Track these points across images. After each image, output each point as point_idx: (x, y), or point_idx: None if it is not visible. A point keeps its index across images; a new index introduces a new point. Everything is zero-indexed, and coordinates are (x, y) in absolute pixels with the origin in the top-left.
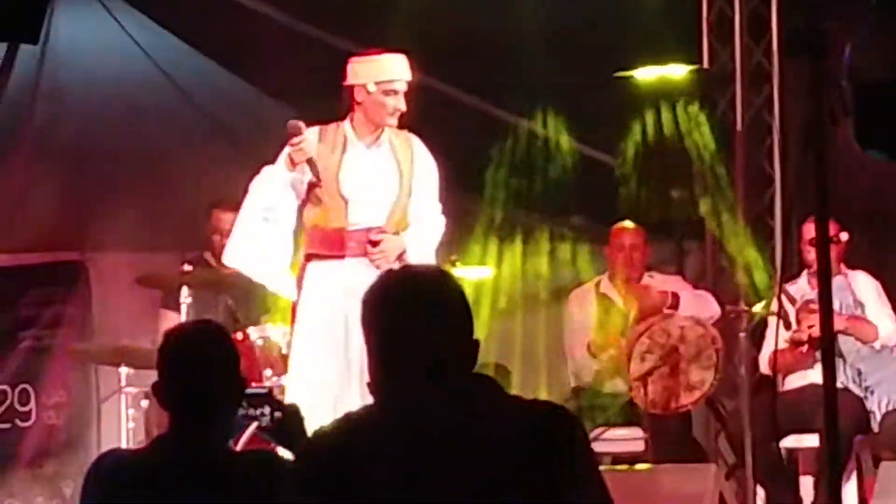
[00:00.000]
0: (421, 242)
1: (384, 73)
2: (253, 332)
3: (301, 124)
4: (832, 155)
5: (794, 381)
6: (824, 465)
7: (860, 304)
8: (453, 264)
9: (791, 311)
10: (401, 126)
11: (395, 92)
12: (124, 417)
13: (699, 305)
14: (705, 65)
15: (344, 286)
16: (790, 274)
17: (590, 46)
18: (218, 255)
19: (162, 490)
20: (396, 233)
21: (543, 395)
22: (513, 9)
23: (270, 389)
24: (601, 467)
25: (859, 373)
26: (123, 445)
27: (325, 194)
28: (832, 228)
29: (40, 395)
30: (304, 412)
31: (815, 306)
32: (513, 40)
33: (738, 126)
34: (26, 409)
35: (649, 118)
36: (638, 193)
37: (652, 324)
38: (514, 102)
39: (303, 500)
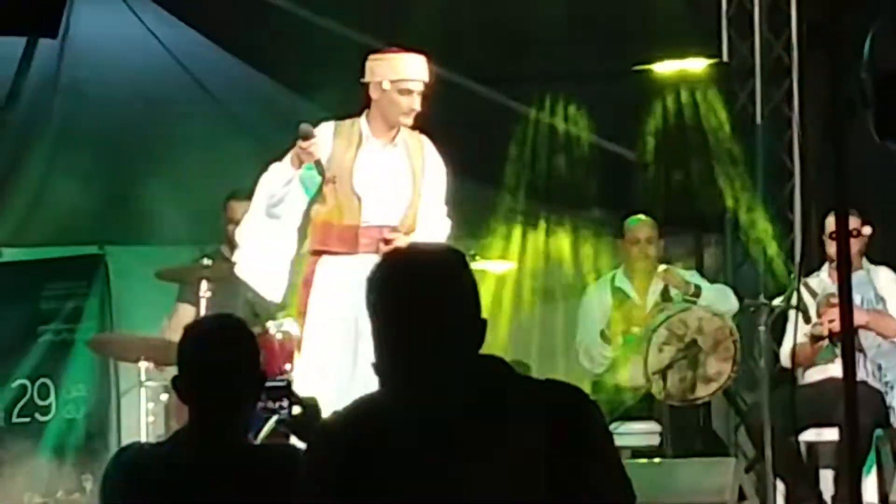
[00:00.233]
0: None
1: (400, 71)
2: (272, 325)
3: (311, 129)
4: (854, 148)
5: (814, 375)
6: (844, 459)
7: (881, 300)
8: (472, 258)
9: (812, 304)
10: (414, 126)
11: (410, 91)
12: (144, 411)
13: (716, 295)
14: (725, 58)
15: (355, 282)
16: (811, 267)
17: (609, 40)
18: (235, 245)
19: (182, 484)
20: (407, 234)
21: None
22: (531, 2)
23: (289, 383)
24: (622, 461)
25: (879, 367)
26: (143, 439)
27: (338, 190)
28: (855, 222)
29: (60, 389)
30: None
31: (836, 300)
32: (531, 32)
33: (758, 119)
34: (46, 402)
35: (668, 110)
36: (655, 186)
37: (670, 316)
38: (532, 94)
39: (317, 493)
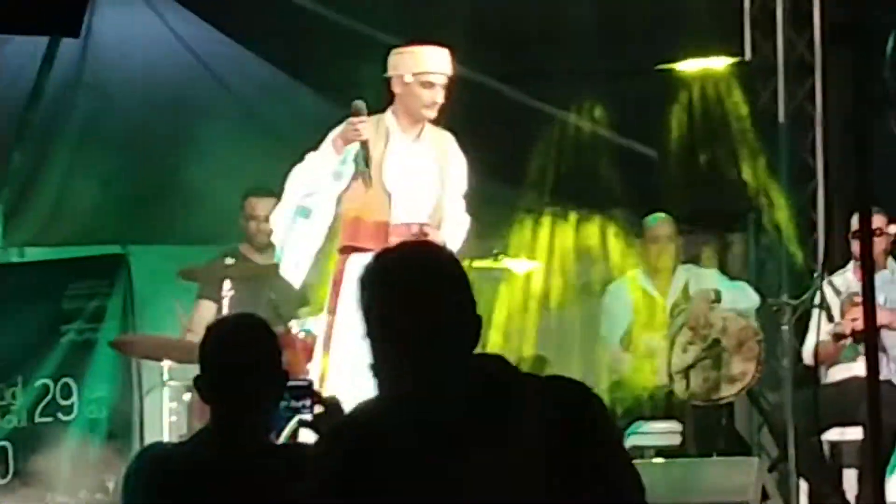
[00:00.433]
0: (452, 240)
1: (421, 64)
2: (295, 325)
3: (364, 106)
4: (878, 146)
5: (837, 374)
6: (868, 459)
7: None
8: (495, 257)
9: (835, 303)
10: (438, 122)
11: (432, 84)
12: (167, 411)
13: (738, 295)
14: (747, 57)
15: None
16: (835, 266)
17: (632, 39)
18: (254, 242)
19: (204, 483)
20: (436, 228)
21: None
22: (554, 1)
23: (311, 382)
24: (643, 460)
25: None
26: (166, 439)
27: (367, 186)
28: (880, 221)
29: (83, 389)
30: (344, 404)
31: (860, 299)
32: (554, 31)
33: (781, 118)
34: (69, 402)
35: (690, 109)
36: (678, 185)
37: (694, 315)
38: (556, 93)
39: (318, 494)
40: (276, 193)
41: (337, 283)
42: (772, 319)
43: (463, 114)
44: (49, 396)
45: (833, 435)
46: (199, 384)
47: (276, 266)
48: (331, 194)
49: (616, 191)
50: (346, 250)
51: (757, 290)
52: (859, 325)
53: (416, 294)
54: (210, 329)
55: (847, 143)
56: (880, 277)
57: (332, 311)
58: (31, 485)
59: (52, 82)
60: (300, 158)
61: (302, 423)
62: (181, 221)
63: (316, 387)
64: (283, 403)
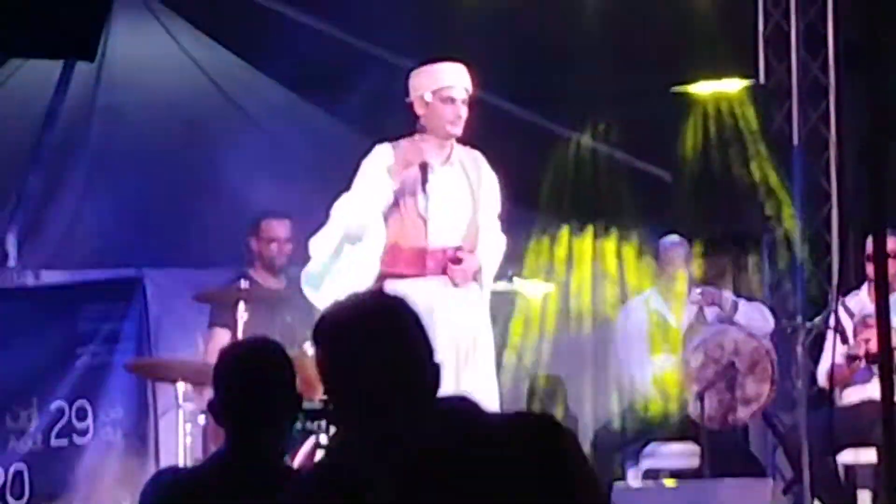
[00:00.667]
0: (490, 260)
1: (439, 80)
2: (309, 348)
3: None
4: (892, 168)
5: (852, 396)
6: (882, 481)
7: None
8: (510, 279)
9: (850, 325)
10: (465, 142)
11: (452, 99)
12: (182, 433)
13: (754, 317)
14: (761, 79)
15: (424, 306)
16: (850, 287)
17: (645, 60)
18: (274, 264)
19: None
20: (471, 251)
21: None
22: (567, 23)
23: (326, 405)
24: (658, 482)
25: None
26: (181, 461)
27: (403, 213)
28: (894, 243)
29: (98, 412)
30: None
31: (873, 321)
32: (567, 53)
33: (795, 140)
34: (84, 424)
35: (704, 131)
36: (692, 207)
37: (707, 338)
38: (570, 116)
39: None
40: (290, 215)
41: None
42: (786, 341)
43: (477, 136)
44: (64, 419)
45: (847, 457)
46: (212, 407)
47: (291, 289)
48: (380, 225)
49: (631, 213)
50: (383, 277)
51: (772, 311)
52: (873, 346)
53: (372, 346)
54: (224, 352)
55: (861, 165)
56: (894, 299)
57: None
58: None
59: (66, 105)
60: (316, 180)
61: (317, 445)
62: (196, 244)
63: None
64: (298, 426)
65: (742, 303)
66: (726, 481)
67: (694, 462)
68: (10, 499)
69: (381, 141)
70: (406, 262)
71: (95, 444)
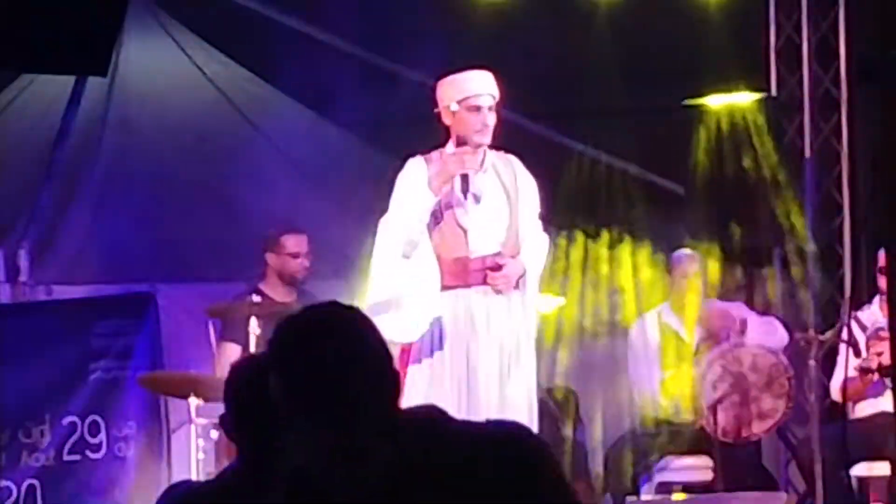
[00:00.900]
0: (533, 264)
1: (463, 90)
2: None
3: None
4: None
5: (865, 409)
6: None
7: None
8: None
9: (862, 338)
10: (499, 148)
11: (478, 108)
12: (194, 448)
13: (766, 331)
14: (773, 92)
15: (468, 316)
16: (862, 300)
17: (657, 74)
18: (292, 280)
19: None
20: (512, 257)
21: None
22: (580, 38)
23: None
24: (672, 496)
25: None
26: (194, 476)
27: (442, 225)
28: None
29: (111, 427)
30: None
31: (885, 334)
32: (579, 68)
33: (807, 153)
34: (97, 440)
35: (716, 145)
36: (704, 220)
37: (723, 352)
38: (582, 131)
39: None
40: (306, 230)
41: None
42: (799, 354)
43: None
44: (77, 434)
45: (861, 470)
46: (224, 422)
47: (302, 303)
48: (427, 241)
49: (643, 226)
50: None
51: (784, 324)
52: (886, 359)
53: (328, 364)
54: (235, 367)
55: (874, 178)
56: None
57: (407, 350)
58: None
59: (78, 120)
60: (329, 195)
61: None
62: (208, 259)
63: None
64: None
65: (752, 318)
66: (739, 495)
67: (707, 476)
68: None
69: (411, 155)
70: (449, 273)
71: (108, 460)
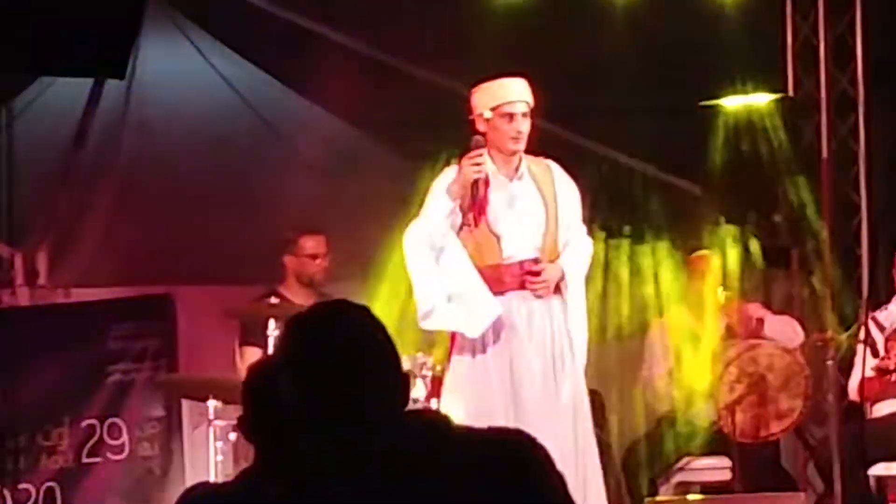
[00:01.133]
0: (575, 267)
1: (496, 97)
2: None
3: (483, 140)
4: None
5: (883, 409)
6: None
7: None
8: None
9: (880, 338)
10: (537, 153)
11: (511, 115)
12: (213, 450)
13: (784, 331)
14: (790, 93)
15: (508, 321)
16: (880, 300)
17: (674, 74)
18: (311, 281)
19: None
20: (551, 261)
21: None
22: (597, 39)
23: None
24: (690, 496)
25: None
26: (212, 478)
27: (475, 231)
28: None
29: (128, 429)
30: None
31: None
32: (595, 67)
33: (824, 154)
34: (118, 442)
35: (733, 145)
36: (721, 220)
37: (740, 353)
38: (599, 131)
39: None
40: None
41: (454, 333)
42: (817, 355)
43: None
44: (96, 437)
45: (879, 469)
46: (241, 424)
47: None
48: (456, 243)
49: (660, 227)
50: None
51: (802, 324)
52: None
53: (338, 361)
54: (252, 368)
55: (891, 178)
56: None
57: (446, 358)
58: None
59: (96, 123)
60: (346, 197)
61: None
62: (226, 261)
63: None
64: None
65: (770, 318)
66: (758, 495)
67: (725, 476)
68: None
69: (429, 157)
70: (483, 279)
71: (126, 462)
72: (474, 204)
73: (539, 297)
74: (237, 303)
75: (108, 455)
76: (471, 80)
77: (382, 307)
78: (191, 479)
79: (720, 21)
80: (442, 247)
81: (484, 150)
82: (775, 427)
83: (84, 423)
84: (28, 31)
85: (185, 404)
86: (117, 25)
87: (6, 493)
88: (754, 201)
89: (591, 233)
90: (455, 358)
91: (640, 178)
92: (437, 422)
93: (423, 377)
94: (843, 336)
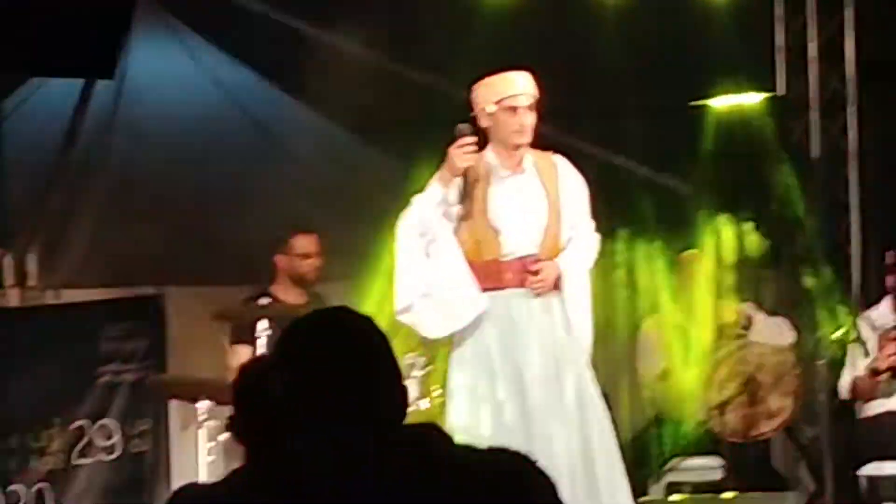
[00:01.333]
0: (575, 265)
1: (498, 91)
2: None
3: (471, 128)
4: None
5: (874, 408)
6: None
7: None
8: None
9: (871, 338)
10: (544, 148)
11: (515, 109)
12: (203, 451)
13: (775, 331)
14: (781, 92)
15: (504, 319)
16: (871, 300)
17: (664, 74)
18: (303, 281)
19: None
20: (550, 258)
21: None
22: (586, 39)
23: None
24: (679, 497)
25: None
26: (201, 479)
27: (474, 226)
28: None
29: (117, 431)
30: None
31: (894, 334)
32: (586, 67)
33: (815, 153)
34: (109, 443)
35: (723, 144)
36: (711, 220)
37: (731, 352)
38: (589, 131)
39: None
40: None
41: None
42: (808, 355)
43: None
44: (86, 438)
45: (870, 469)
46: (231, 424)
47: (312, 303)
48: (448, 231)
49: (651, 227)
50: None
51: (793, 324)
52: (895, 359)
53: (331, 363)
54: (243, 368)
55: (881, 178)
56: None
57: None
58: None
59: (86, 124)
60: (338, 198)
61: None
62: (216, 262)
63: None
64: None
65: (760, 318)
66: (748, 495)
67: (716, 476)
68: None
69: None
70: (481, 275)
71: (117, 463)
72: (468, 193)
73: (538, 295)
74: (227, 304)
75: (99, 456)
76: (463, 81)
77: (374, 307)
78: (180, 480)
79: (711, 21)
80: (433, 237)
81: (474, 138)
82: (766, 426)
83: (75, 425)
84: (18, 31)
85: (175, 405)
86: (107, 26)
87: None
88: (745, 201)
89: None
90: (455, 356)
91: (630, 177)
92: (432, 434)
93: (414, 378)
94: (834, 336)
